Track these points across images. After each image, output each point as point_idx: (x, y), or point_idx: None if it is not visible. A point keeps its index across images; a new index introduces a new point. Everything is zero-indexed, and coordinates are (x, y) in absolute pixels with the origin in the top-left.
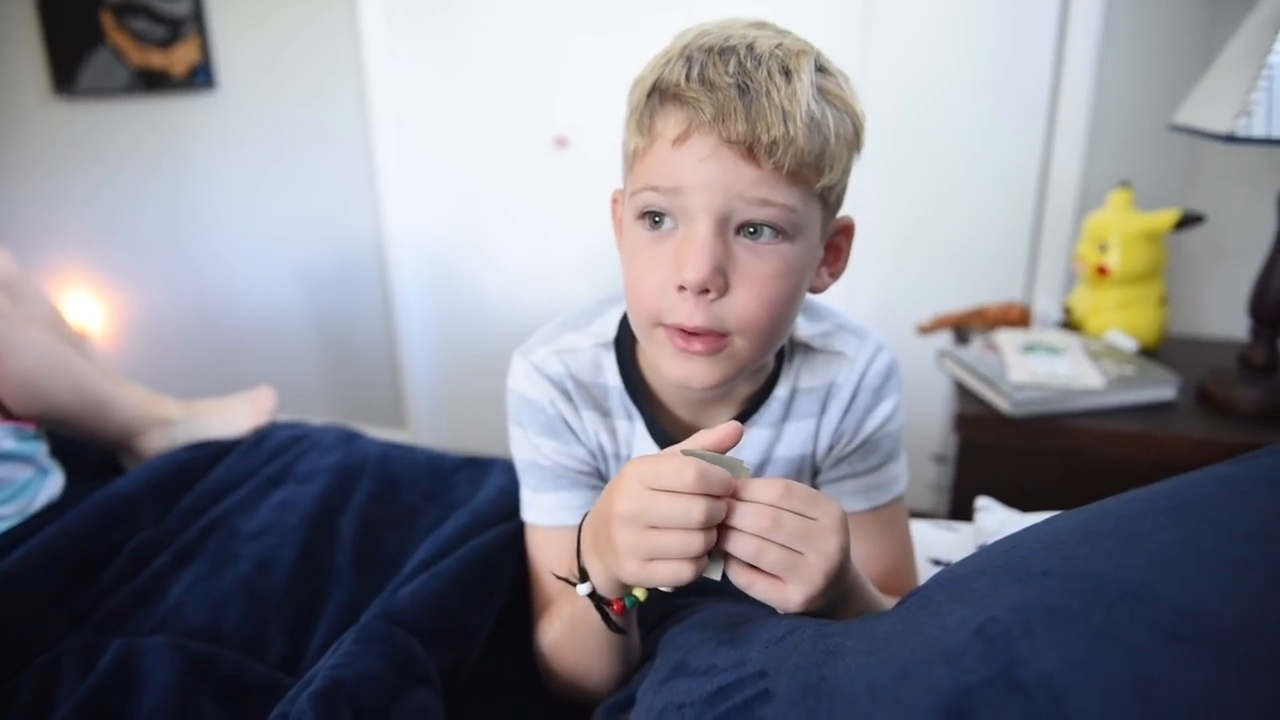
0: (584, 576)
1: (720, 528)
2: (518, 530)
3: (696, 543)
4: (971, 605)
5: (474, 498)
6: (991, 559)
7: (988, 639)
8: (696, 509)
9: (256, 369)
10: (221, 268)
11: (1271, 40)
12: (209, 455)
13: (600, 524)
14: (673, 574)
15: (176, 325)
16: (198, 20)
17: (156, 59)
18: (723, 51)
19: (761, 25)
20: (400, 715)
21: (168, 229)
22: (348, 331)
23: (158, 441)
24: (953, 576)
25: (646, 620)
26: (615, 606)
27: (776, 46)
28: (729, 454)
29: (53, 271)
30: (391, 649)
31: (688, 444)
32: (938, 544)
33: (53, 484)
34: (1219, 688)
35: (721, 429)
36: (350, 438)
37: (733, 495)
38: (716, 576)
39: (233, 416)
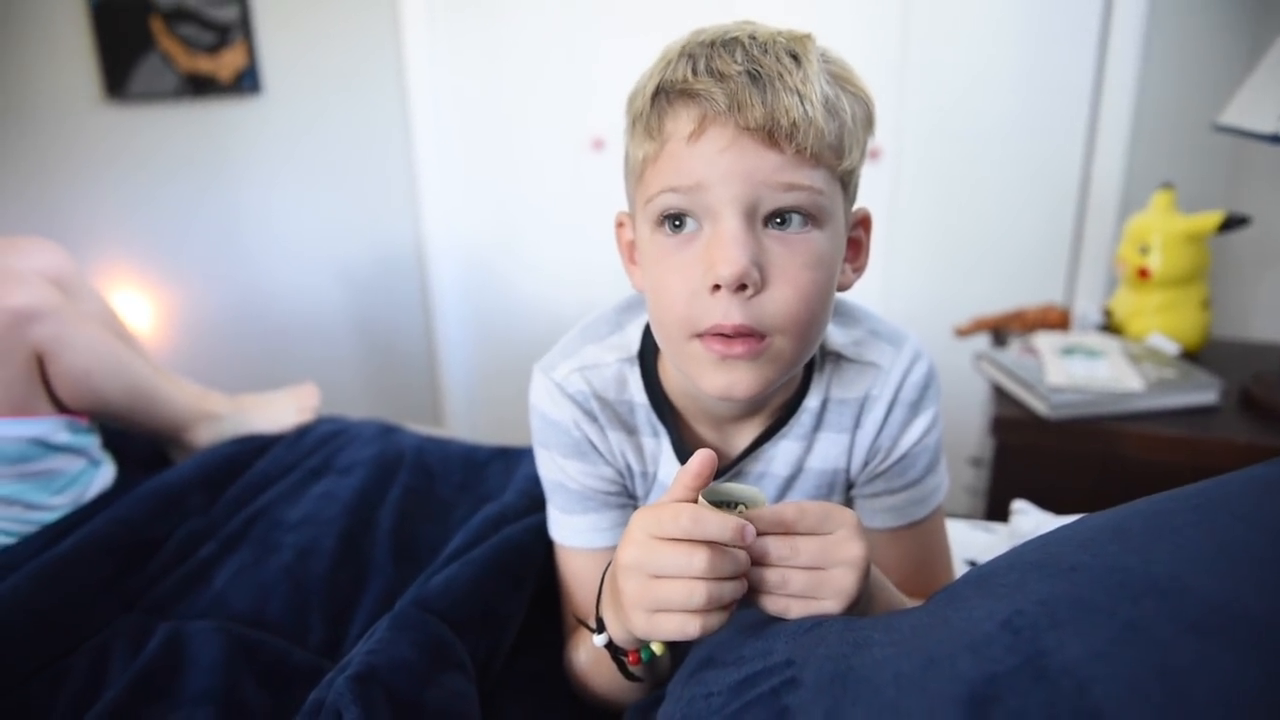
0: (603, 625)
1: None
2: (546, 521)
3: (699, 594)
4: (999, 599)
5: (506, 488)
6: (1021, 556)
7: (1014, 630)
8: (698, 558)
9: (298, 368)
10: (265, 268)
11: None
12: (254, 449)
13: (611, 574)
14: (677, 627)
15: (222, 325)
16: (245, 26)
17: (205, 64)
18: (726, 43)
19: (754, 22)
20: (433, 699)
21: (214, 230)
22: (387, 331)
23: (205, 435)
24: (981, 574)
25: None
26: (630, 658)
27: (778, 34)
28: (745, 486)
29: (103, 271)
30: (424, 635)
31: (673, 488)
32: (974, 545)
33: (105, 475)
34: (1241, 677)
35: (692, 463)
36: (388, 431)
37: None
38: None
39: (277, 412)
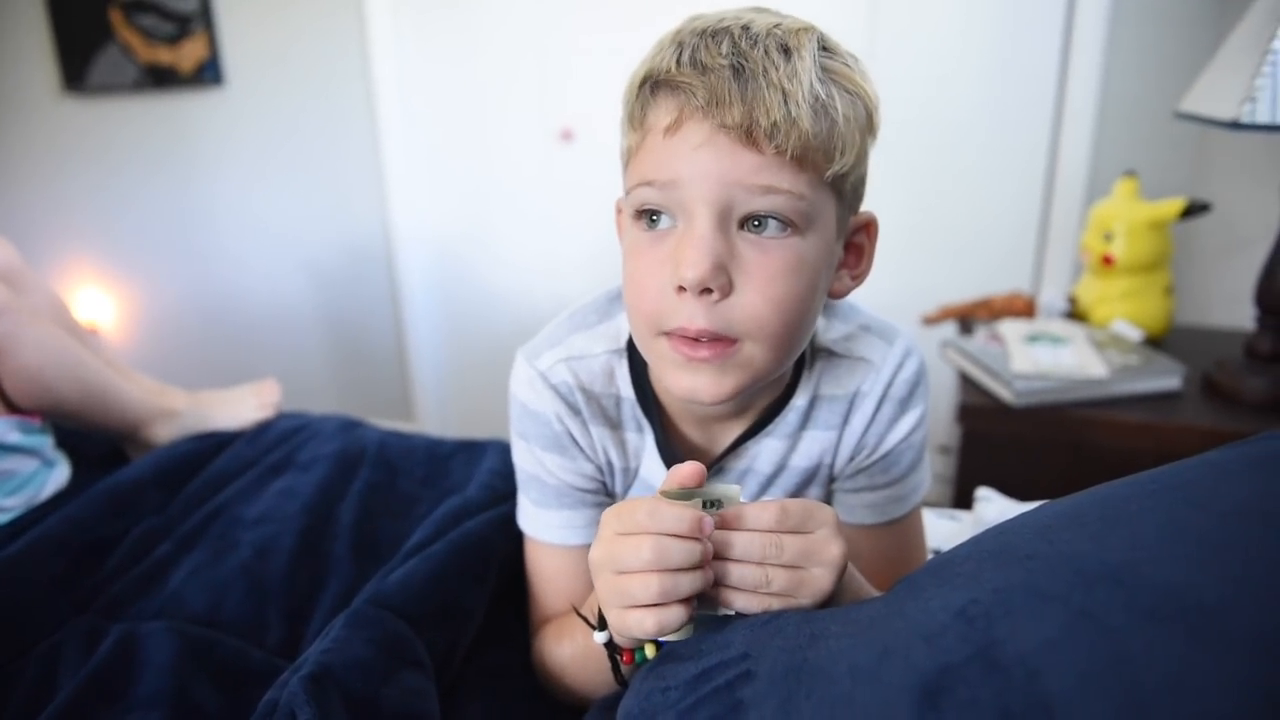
0: (604, 623)
1: (719, 560)
2: (509, 514)
3: (653, 585)
4: (955, 589)
5: (469, 482)
6: (978, 545)
7: (968, 620)
8: (645, 548)
9: (265, 363)
10: (230, 262)
11: (1276, 26)
12: (213, 445)
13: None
14: (636, 623)
15: (186, 320)
16: (205, 17)
17: (165, 55)
18: (715, 34)
19: (760, 10)
20: (389, 698)
21: (177, 224)
22: (356, 325)
23: (163, 432)
24: (939, 563)
25: None
26: (625, 657)
27: (775, 26)
28: (720, 484)
29: (63, 267)
30: (380, 633)
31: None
32: (939, 533)
33: (59, 475)
34: (1195, 664)
35: (677, 472)
36: (350, 426)
37: (728, 526)
38: (683, 636)
39: (237, 408)
